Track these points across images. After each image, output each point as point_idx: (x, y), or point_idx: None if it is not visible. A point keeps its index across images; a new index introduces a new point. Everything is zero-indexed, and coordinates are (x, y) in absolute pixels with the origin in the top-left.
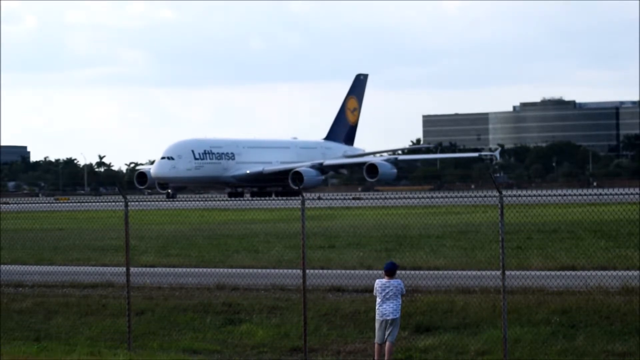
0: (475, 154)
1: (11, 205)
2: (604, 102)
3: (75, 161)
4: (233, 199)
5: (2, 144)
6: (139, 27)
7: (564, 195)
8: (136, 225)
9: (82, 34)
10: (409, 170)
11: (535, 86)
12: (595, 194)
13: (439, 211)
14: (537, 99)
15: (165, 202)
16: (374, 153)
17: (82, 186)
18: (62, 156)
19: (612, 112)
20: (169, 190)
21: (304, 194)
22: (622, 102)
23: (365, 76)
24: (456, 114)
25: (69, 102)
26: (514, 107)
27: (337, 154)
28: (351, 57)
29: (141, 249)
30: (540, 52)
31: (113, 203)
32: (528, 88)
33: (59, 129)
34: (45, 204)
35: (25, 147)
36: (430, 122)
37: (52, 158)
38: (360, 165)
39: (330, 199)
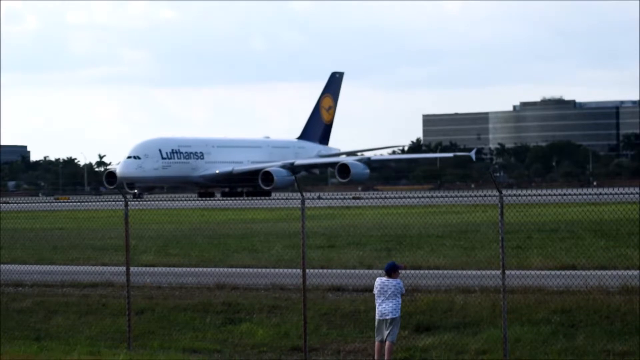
0: (450, 154)
1: (11, 204)
2: (604, 102)
3: (75, 161)
4: (203, 199)
5: (2, 143)
6: (139, 27)
7: (564, 194)
8: (136, 225)
9: (83, 34)
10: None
11: (535, 86)
12: (595, 194)
13: (439, 210)
14: (537, 99)
15: (165, 202)
16: (349, 153)
17: (82, 186)
18: (62, 156)
19: (612, 112)
20: (136, 191)
21: (303, 194)
22: (622, 102)
23: (341, 74)
24: (456, 114)
25: (69, 101)
26: (514, 107)
27: (310, 154)
28: (351, 57)
29: (141, 249)
30: (540, 52)
31: (113, 202)
32: (528, 87)
33: (59, 129)
34: (45, 204)
35: (25, 147)
36: (430, 121)
37: (52, 157)
38: (333, 165)
39: (330, 198)
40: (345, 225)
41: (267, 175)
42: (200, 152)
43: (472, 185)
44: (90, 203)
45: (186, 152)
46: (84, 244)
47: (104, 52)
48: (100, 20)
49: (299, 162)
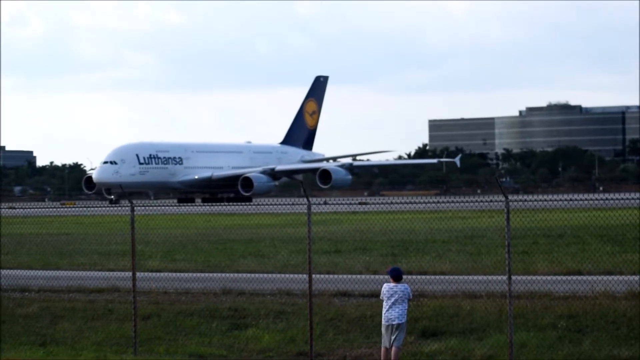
0: (434, 160)
1: (17, 210)
2: (609, 107)
3: (81, 166)
4: (183, 204)
5: (9, 148)
6: (145, 30)
7: (570, 200)
8: (142, 230)
9: (89, 38)
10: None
11: (541, 91)
12: (601, 199)
13: (444, 216)
14: (543, 104)
15: (171, 207)
16: (333, 158)
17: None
18: (68, 161)
19: (618, 117)
20: (112, 197)
21: (309, 199)
22: (628, 107)
23: (326, 78)
24: (462, 119)
25: (75, 106)
26: (520, 112)
27: (293, 159)
28: (356, 61)
29: (147, 254)
30: (546, 56)
31: (119, 208)
32: (534, 92)
33: (65, 133)
34: (51, 209)
35: (31, 152)
36: (436, 126)
37: (58, 163)
38: (315, 170)
39: (336, 203)
40: (352, 231)
41: (247, 181)
42: (179, 157)
43: (478, 191)
44: (96, 208)
45: (164, 157)
46: (90, 249)
47: (109, 55)
48: (106, 23)
49: (279, 167)
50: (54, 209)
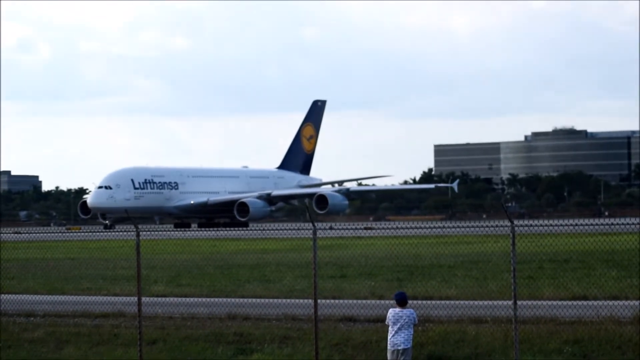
0: (432, 185)
1: (23, 234)
2: (615, 132)
3: (87, 190)
4: (179, 229)
5: (14, 173)
6: (152, 56)
7: (576, 225)
8: (147, 255)
9: (95, 63)
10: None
11: (547, 116)
12: (607, 224)
13: (450, 241)
14: (549, 129)
15: (176, 232)
16: (330, 183)
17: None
18: (74, 185)
19: (623, 142)
20: (107, 222)
21: (315, 224)
22: (633, 132)
23: (323, 102)
24: (467, 144)
25: (80, 131)
26: (526, 137)
27: (290, 184)
28: (361, 86)
29: (152, 279)
30: (551, 82)
31: (124, 233)
32: (539, 117)
33: (70, 158)
34: (56, 234)
35: (37, 177)
36: (441, 151)
37: (64, 187)
38: (312, 195)
39: (342, 228)
40: (357, 255)
41: (243, 206)
42: (175, 182)
43: (484, 216)
44: (101, 233)
45: (160, 182)
46: (96, 274)
47: (116, 81)
48: (112, 49)
49: (276, 192)
50: (60, 234)
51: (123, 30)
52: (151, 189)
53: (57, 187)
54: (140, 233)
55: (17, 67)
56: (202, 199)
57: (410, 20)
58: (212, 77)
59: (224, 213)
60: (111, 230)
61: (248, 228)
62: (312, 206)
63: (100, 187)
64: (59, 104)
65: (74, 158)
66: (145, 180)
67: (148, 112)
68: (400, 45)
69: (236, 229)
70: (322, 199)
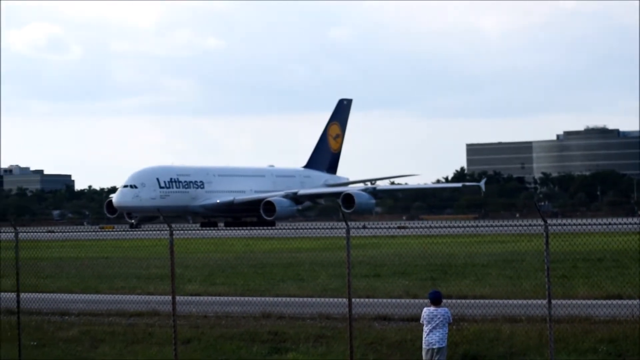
0: (459, 184)
1: (56, 234)
2: None
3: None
4: (206, 228)
5: (47, 172)
6: (183, 55)
7: (609, 224)
8: (181, 254)
9: (127, 63)
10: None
11: (579, 115)
12: None
13: (483, 240)
14: (581, 128)
15: (210, 231)
16: (356, 182)
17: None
18: (106, 185)
19: None
20: (133, 221)
21: (348, 223)
22: None
23: (349, 101)
24: (500, 143)
25: (113, 130)
26: (558, 136)
27: (317, 183)
28: (391, 86)
29: (187, 278)
30: (583, 81)
31: (158, 232)
32: (571, 117)
33: (102, 158)
34: (90, 233)
35: (69, 176)
36: (474, 150)
37: (96, 186)
38: (337, 195)
39: (375, 227)
40: (391, 255)
41: (269, 205)
42: (200, 181)
43: (517, 215)
44: (135, 232)
45: (185, 181)
46: (129, 273)
47: (148, 81)
48: (144, 48)
49: (302, 191)
50: (93, 233)
51: (154, 30)
52: (177, 188)
53: (89, 187)
54: (174, 232)
55: (49, 67)
56: (228, 198)
57: (441, 20)
58: (242, 77)
59: (250, 212)
60: (138, 229)
61: (275, 227)
62: (339, 205)
63: (125, 187)
64: (90, 104)
65: (106, 157)
66: (171, 179)
67: (179, 111)
68: (431, 44)
69: (267, 228)
70: (348, 198)
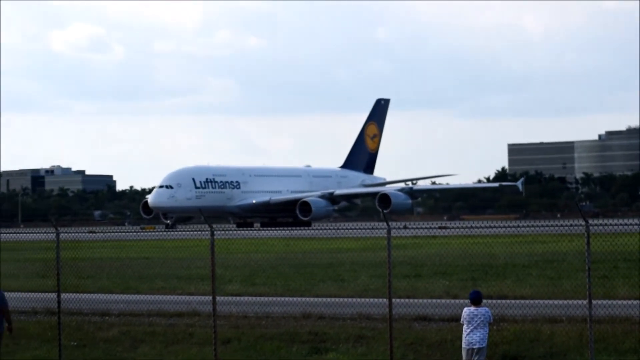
0: (496, 184)
1: (97, 234)
2: None
3: None
4: (242, 229)
5: (89, 172)
6: (225, 55)
7: None
8: (222, 254)
9: (169, 63)
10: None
11: (620, 115)
12: None
13: (524, 240)
14: (623, 128)
15: (250, 232)
16: (394, 182)
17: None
18: (147, 185)
19: None
20: (168, 221)
21: (389, 224)
22: None
23: (387, 101)
24: (541, 143)
25: (154, 130)
26: (600, 136)
27: (354, 183)
28: (436, 86)
29: (227, 278)
30: (625, 81)
31: (199, 232)
32: (613, 117)
33: (143, 158)
34: (131, 233)
35: (111, 176)
36: (515, 150)
37: (138, 187)
38: (374, 195)
39: (416, 227)
40: (431, 255)
41: (305, 206)
42: (236, 182)
43: (558, 215)
44: (176, 232)
45: (221, 182)
46: (170, 274)
47: (189, 80)
48: (185, 48)
49: (338, 192)
50: (134, 233)
51: (196, 30)
52: (212, 188)
53: (131, 187)
54: (214, 232)
55: (91, 68)
56: (264, 198)
57: (483, 19)
58: (283, 77)
59: (286, 212)
60: (174, 230)
61: (311, 227)
62: (376, 205)
63: (161, 187)
64: (132, 104)
65: (147, 157)
66: (207, 179)
67: (219, 111)
68: (474, 43)
69: (305, 228)
70: (384, 198)
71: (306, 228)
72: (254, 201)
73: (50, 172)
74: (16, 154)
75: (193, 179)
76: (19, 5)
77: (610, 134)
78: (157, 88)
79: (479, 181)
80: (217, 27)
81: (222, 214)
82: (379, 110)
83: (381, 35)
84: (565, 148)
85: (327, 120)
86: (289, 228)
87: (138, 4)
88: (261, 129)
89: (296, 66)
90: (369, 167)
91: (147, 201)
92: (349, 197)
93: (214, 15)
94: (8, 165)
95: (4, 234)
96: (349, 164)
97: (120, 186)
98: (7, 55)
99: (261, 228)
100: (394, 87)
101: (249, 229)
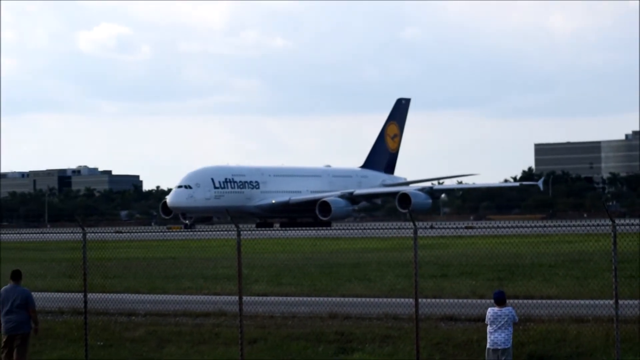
0: (517, 184)
1: (124, 234)
2: None
3: None
4: (262, 229)
5: (115, 172)
6: (252, 55)
7: None
8: (248, 254)
9: (196, 63)
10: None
11: None
12: None
13: (551, 240)
14: None
15: (277, 232)
16: (415, 182)
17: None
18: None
19: None
20: (187, 222)
21: (416, 223)
22: None
23: (407, 100)
24: (568, 143)
25: (181, 130)
26: (627, 135)
27: (374, 183)
28: (462, 86)
29: (253, 278)
30: None
31: (225, 232)
32: None
33: (170, 158)
34: (157, 233)
35: (137, 176)
36: (542, 150)
37: (164, 187)
38: (394, 195)
39: (442, 227)
40: (458, 255)
41: (325, 206)
42: (256, 182)
43: (585, 215)
44: (203, 232)
45: (240, 182)
46: (196, 274)
47: (215, 81)
48: (212, 49)
49: (358, 191)
50: (160, 233)
51: (223, 30)
52: (231, 188)
53: (157, 187)
54: (241, 232)
55: (118, 68)
56: (284, 198)
57: (509, 19)
58: (309, 77)
59: (305, 212)
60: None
61: (331, 227)
62: (396, 205)
63: (180, 187)
64: (159, 104)
65: (174, 157)
66: (226, 179)
67: (246, 111)
68: (500, 43)
69: (326, 228)
70: (404, 198)
71: (327, 228)
72: (273, 201)
73: (77, 172)
74: (43, 153)
75: (212, 179)
76: (46, 5)
77: (637, 133)
78: (184, 88)
79: (505, 181)
80: (243, 27)
81: (241, 214)
82: (400, 110)
83: (407, 36)
84: (592, 148)
85: (351, 120)
86: (311, 228)
87: (165, 4)
88: (286, 129)
89: (321, 66)
90: (390, 167)
91: (165, 201)
92: (368, 197)
93: (241, 15)
94: (35, 165)
95: (31, 234)
96: (369, 163)
97: (147, 186)
98: (34, 56)
99: (280, 228)
100: (420, 86)
101: (269, 229)
